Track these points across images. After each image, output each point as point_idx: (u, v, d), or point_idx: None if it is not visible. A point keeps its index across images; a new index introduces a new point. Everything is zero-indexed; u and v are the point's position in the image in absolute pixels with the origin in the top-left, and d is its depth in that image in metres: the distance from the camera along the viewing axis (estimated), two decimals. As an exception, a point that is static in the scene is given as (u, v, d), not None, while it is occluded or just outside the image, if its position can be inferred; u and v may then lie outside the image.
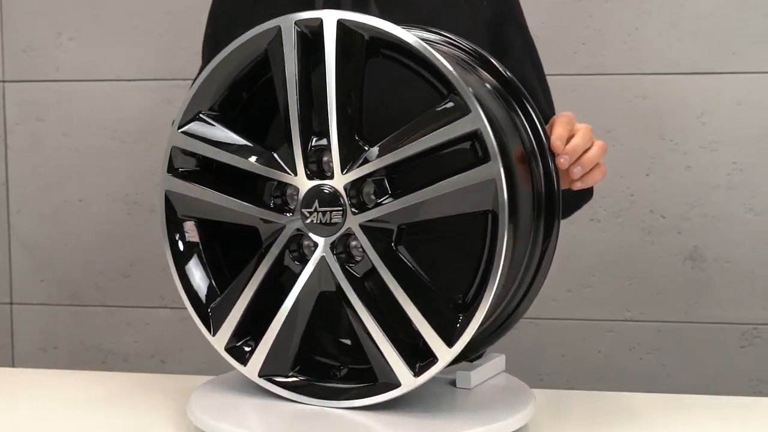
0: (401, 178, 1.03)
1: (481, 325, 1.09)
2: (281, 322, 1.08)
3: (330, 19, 1.03)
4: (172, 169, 1.14)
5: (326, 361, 1.12)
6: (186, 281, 1.15)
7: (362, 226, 1.03)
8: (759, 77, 2.04)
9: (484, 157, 0.97)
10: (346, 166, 1.03)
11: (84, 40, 2.26)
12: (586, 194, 1.36)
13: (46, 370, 1.44)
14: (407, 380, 1.01)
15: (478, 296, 0.98)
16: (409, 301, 1.00)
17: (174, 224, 1.15)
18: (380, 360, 1.03)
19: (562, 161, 1.10)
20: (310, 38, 1.06)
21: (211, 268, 1.16)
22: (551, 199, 1.09)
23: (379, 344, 1.02)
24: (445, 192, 0.99)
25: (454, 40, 1.16)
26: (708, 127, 2.06)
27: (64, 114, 2.28)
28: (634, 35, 2.07)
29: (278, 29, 1.06)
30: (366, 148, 1.03)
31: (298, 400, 1.09)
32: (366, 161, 1.02)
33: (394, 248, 1.03)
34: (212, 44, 1.52)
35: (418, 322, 1.00)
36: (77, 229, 2.30)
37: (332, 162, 1.04)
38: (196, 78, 1.57)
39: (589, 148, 1.14)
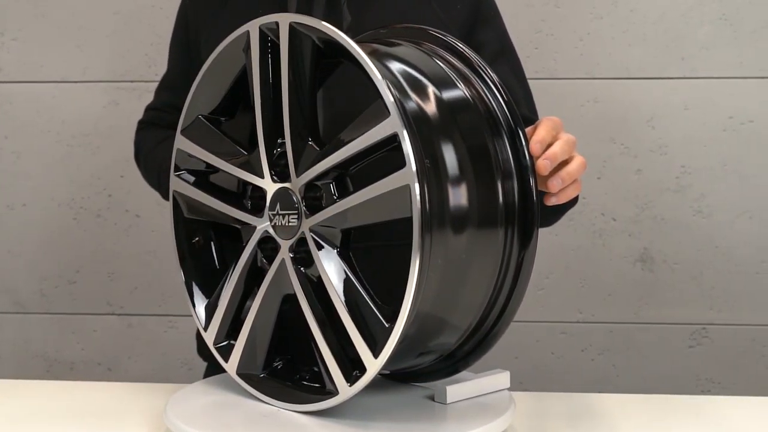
0: (352, 182, 1.02)
1: (465, 336, 1.10)
2: (251, 323, 1.09)
3: (284, 22, 1.03)
4: (177, 171, 1.18)
5: (299, 363, 1.12)
6: (189, 281, 1.18)
7: (312, 230, 1.02)
8: (706, 82, 2.08)
9: (402, 163, 0.93)
10: (301, 168, 1.03)
11: (27, 41, 2.20)
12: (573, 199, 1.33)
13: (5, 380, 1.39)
14: (343, 389, 1.00)
15: (399, 306, 0.95)
16: (343, 308, 0.99)
17: (181, 224, 1.19)
18: (324, 366, 1.02)
19: (542, 165, 1.06)
20: (277, 42, 1.06)
21: (221, 267, 1.19)
22: (527, 208, 1.05)
23: (321, 350, 1.01)
24: (368, 198, 0.96)
25: (459, 48, 1.13)
26: (657, 131, 2.10)
27: (6, 116, 2.21)
28: (586, 40, 2.10)
29: (248, 34, 1.07)
30: (317, 151, 1.02)
31: (265, 401, 1.09)
32: (311, 165, 1.02)
33: (336, 253, 1.01)
34: (181, 43, 1.49)
35: (350, 331, 0.98)
36: (20, 235, 2.23)
37: (289, 166, 1.04)
38: (163, 78, 1.55)
39: (569, 161, 1.10)
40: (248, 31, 1.07)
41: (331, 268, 1.00)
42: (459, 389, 1.12)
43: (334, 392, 1.01)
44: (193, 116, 1.16)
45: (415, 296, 0.92)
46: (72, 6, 2.18)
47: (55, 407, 1.23)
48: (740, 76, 2.07)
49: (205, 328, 1.16)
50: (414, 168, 0.91)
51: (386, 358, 0.95)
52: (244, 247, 1.11)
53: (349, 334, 0.98)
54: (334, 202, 1.01)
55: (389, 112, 0.94)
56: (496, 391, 1.18)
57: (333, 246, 1.01)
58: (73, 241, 2.22)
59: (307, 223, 1.02)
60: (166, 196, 1.46)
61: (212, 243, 1.21)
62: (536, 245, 1.07)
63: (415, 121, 0.96)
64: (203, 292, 1.18)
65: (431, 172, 0.95)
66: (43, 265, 2.24)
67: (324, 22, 1.00)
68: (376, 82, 0.95)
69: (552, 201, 1.11)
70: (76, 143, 2.21)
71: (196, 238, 1.20)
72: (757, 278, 2.11)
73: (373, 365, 0.96)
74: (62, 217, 2.22)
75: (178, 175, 1.18)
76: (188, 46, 1.47)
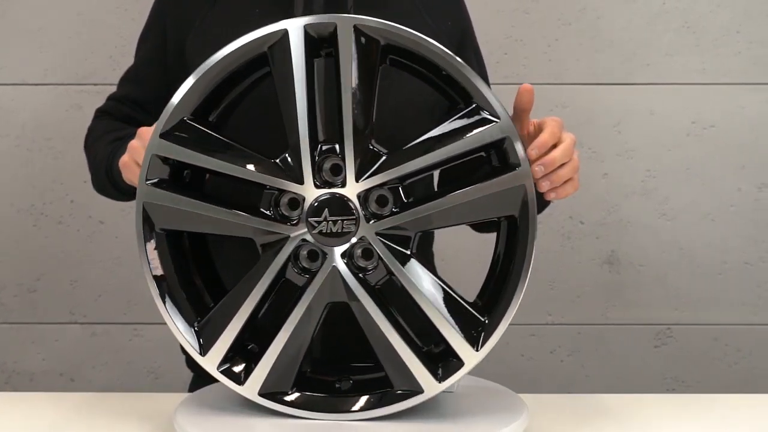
0: (411, 186, 1.04)
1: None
2: (287, 336, 1.04)
3: (345, 24, 1.01)
4: (152, 179, 1.08)
5: (323, 376, 1.10)
6: (168, 299, 1.08)
7: (378, 234, 1.03)
8: (670, 88, 2.13)
9: (508, 165, 1.01)
10: (360, 173, 1.02)
11: (-15, 42, 2.13)
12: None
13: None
14: (430, 386, 1.02)
15: (502, 299, 1.02)
16: (433, 306, 1.01)
17: (151, 238, 1.09)
18: (400, 367, 1.03)
19: (536, 170, 1.09)
20: (317, 43, 1.04)
21: (184, 283, 1.11)
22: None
23: (399, 352, 1.02)
24: (473, 198, 1.01)
25: None
26: (624, 136, 2.14)
27: (-38, 119, 2.14)
28: (554, 46, 2.13)
29: (284, 32, 1.03)
30: (381, 156, 1.03)
31: (309, 417, 1.05)
32: (382, 169, 1.02)
33: (411, 255, 1.03)
34: (155, 39, 1.44)
35: (442, 327, 1.01)
36: (-22, 242, 2.16)
37: (345, 170, 1.02)
38: (128, 70, 1.49)
39: (565, 163, 1.13)
40: (285, 30, 1.02)
41: (409, 269, 1.02)
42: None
43: (415, 391, 1.02)
44: (178, 117, 1.07)
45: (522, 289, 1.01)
46: (32, 6, 2.12)
47: (19, 420, 1.20)
48: (702, 82, 2.13)
49: (203, 352, 1.07)
50: (528, 168, 1.00)
51: (488, 350, 1.02)
52: (272, 258, 1.04)
53: (442, 332, 1.01)
54: (406, 206, 1.02)
55: (500, 117, 1.01)
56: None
57: (405, 248, 1.03)
58: (34, 249, 2.16)
59: (372, 227, 1.02)
60: (99, 189, 1.45)
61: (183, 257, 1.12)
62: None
63: None
64: (190, 312, 1.09)
65: None
66: (1, 274, 2.16)
67: (408, 28, 1.01)
68: (483, 91, 1.00)
69: (551, 196, 1.16)
70: (37, 148, 2.14)
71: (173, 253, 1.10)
72: (719, 279, 2.17)
73: (474, 358, 1.02)
74: (22, 224, 2.15)
75: (153, 184, 1.08)
76: (164, 44, 1.43)
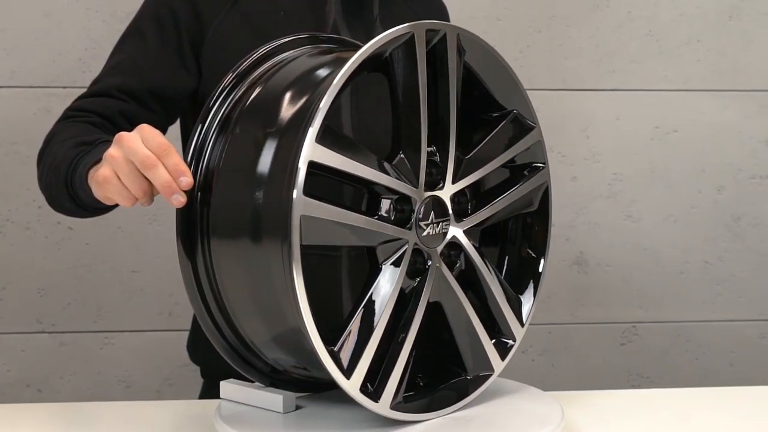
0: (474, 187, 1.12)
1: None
2: (411, 344, 1.02)
3: (452, 32, 1.05)
4: (308, 190, 0.92)
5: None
6: (319, 322, 0.96)
7: (465, 232, 1.09)
8: (635, 94, 2.21)
9: (537, 165, 1.15)
10: (454, 176, 1.07)
11: (-52, 42, 2.05)
12: None
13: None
14: (498, 365, 1.12)
15: (528, 279, 1.15)
16: (501, 292, 1.11)
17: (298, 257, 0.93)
18: (481, 352, 1.09)
19: None
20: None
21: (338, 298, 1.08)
22: None
23: (481, 337, 1.09)
24: (519, 196, 1.12)
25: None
26: (591, 141, 2.21)
27: None
28: (526, 52, 2.18)
29: (411, 36, 1.00)
30: (462, 159, 1.09)
31: (429, 419, 1.05)
32: (467, 171, 1.08)
33: (478, 248, 1.11)
34: (169, 22, 1.34)
35: (504, 308, 1.11)
36: (-60, 250, 2.08)
37: (446, 173, 1.06)
38: (116, 64, 1.34)
39: None
40: (412, 33, 1.00)
41: (484, 262, 1.10)
42: None
43: (486, 372, 1.10)
44: (324, 121, 0.93)
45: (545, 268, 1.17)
46: (-3, 6, 2.06)
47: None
48: (665, 88, 2.21)
49: (349, 375, 0.97)
50: (548, 167, 1.16)
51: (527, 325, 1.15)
52: (396, 266, 1.00)
53: (504, 313, 1.11)
54: (480, 204, 1.10)
55: (535, 124, 1.14)
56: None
57: (477, 243, 1.12)
58: (0, 256, 2.10)
59: (461, 226, 1.08)
60: (52, 201, 1.24)
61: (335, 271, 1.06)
62: None
63: None
64: (328, 333, 0.98)
65: None
66: (-35, 283, 2.09)
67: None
68: (529, 103, 1.13)
69: None
70: (3, 152, 2.08)
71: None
72: (681, 278, 2.25)
73: (521, 333, 1.14)
74: (-14, 231, 2.09)
75: (313, 195, 0.93)
76: (177, 35, 1.34)
